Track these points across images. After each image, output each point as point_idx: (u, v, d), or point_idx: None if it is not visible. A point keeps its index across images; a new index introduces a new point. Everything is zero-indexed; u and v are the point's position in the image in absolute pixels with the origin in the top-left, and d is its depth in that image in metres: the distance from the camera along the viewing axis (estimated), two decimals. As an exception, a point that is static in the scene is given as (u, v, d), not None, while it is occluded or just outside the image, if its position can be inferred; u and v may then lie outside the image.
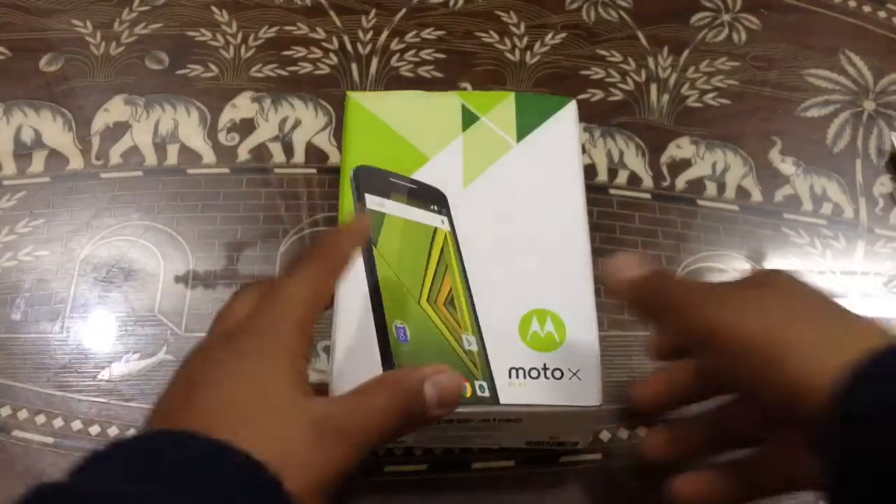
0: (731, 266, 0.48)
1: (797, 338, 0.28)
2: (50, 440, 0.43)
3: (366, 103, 0.43)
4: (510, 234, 0.39)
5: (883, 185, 0.51)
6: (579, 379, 0.36)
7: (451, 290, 0.38)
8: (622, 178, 0.51)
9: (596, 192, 0.50)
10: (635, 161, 0.51)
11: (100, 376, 0.45)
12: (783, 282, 0.31)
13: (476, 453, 0.42)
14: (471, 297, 0.38)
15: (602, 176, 0.51)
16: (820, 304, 0.30)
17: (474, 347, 0.37)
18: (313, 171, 0.51)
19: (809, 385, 0.27)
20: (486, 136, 0.42)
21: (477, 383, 0.36)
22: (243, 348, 0.30)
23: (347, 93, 0.44)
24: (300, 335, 0.31)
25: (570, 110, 0.43)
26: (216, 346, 0.31)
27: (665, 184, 0.51)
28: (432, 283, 0.38)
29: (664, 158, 0.51)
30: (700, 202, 0.50)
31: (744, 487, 0.35)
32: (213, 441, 0.26)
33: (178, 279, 0.47)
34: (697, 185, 0.51)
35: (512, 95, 0.44)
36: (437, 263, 0.38)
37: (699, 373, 0.38)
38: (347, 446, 0.29)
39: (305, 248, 0.35)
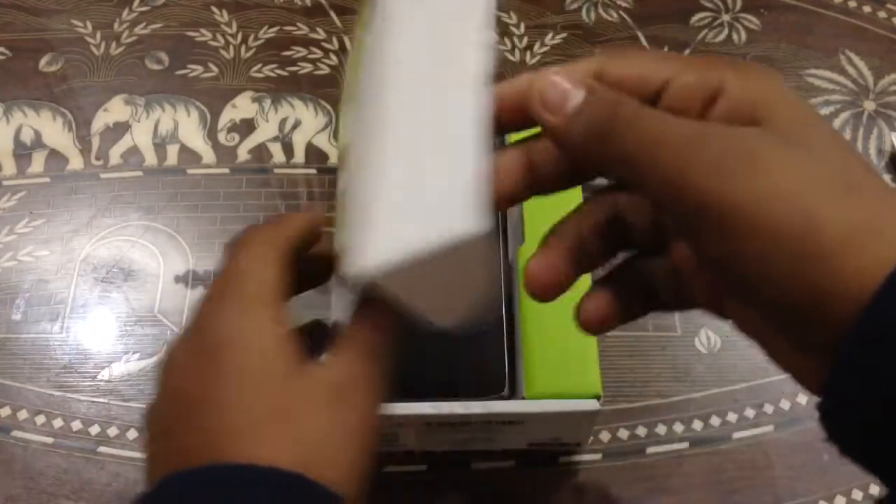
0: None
1: (833, 226, 0.21)
2: (50, 440, 0.43)
3: None
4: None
5: (883, 185, 0.51)
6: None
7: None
8: (622, 178, 0.51)
9: (596, 193, 0.50)
10: (635, 161, 0.51)
11: (100, 376, 0.45)
12: (813, 130, 0.23)
13: (476, 453, 0.42)
14: None
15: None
16: (858, 170, 0.23)
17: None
18: (313, 171, 0.51)
19: (843, 289, 0.21)
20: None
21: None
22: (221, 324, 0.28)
23: None
24: (273, 266, 0.28)
25: None
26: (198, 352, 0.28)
27: (665, 184, 0.50)
28: None
29: (664, 158, 0.51)
30: (700, 202, 0.50)
31: (643, 304, 0.28)
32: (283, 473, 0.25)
33: (178, 279, 0.47)
34: (697, 186, 0.50)
35: None
36: None
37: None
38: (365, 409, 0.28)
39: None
